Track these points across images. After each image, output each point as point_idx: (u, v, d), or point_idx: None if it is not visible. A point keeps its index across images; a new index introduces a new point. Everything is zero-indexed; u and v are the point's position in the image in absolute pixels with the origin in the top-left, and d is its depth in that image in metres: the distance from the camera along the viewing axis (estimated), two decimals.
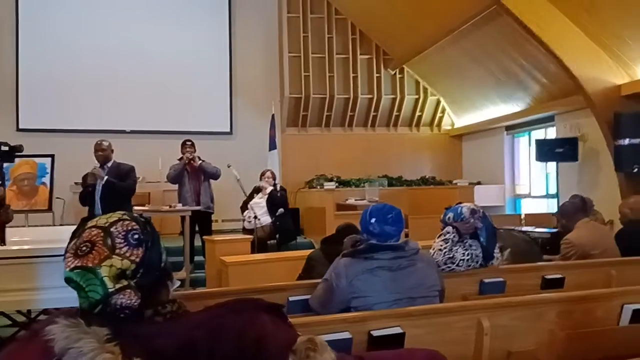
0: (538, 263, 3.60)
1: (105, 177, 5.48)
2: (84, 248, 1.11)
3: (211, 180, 6.93)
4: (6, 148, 2.62)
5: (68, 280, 1.09)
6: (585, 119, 7.32)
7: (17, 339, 1.12)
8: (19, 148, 2.67)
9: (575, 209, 4.27)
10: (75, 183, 6.80)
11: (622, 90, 6.43)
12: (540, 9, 6.34)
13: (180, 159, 6.87)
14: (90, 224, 1.17)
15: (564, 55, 6.39)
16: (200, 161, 6.78)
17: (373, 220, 2.49)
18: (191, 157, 6.76)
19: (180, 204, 6.65)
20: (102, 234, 1.13)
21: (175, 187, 7.03)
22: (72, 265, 1.10)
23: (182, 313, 1.15)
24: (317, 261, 3.71)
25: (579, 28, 6.37)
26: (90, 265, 1.09)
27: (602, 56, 6.44)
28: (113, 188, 5.52)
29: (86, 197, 5.64)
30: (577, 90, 6.68)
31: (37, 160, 6.32)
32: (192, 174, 6.82)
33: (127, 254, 1.12)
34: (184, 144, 6.91)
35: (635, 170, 6.27)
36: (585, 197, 5.81)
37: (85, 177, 5.68)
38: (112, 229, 1.14)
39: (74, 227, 1.21)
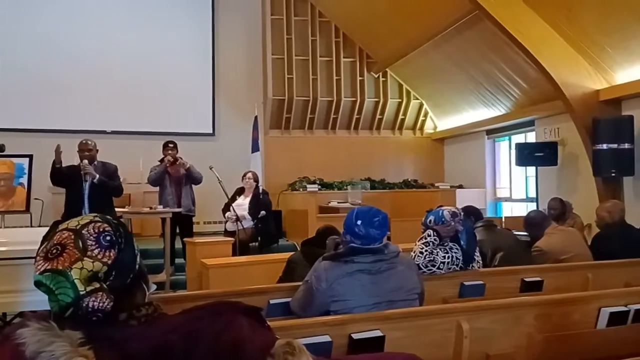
0: (518, 266, 3.63)
1: (97, 176, 5.39)
2: (54, 251, 1.09)
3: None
4: None
5: (38, 284, 1.07)
6: (564, 123, 7.43)
7: None
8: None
9: (541, 218, 4.40)
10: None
11: (601, 96, 6.54)
12: (521, 15, 6.43)
13: (161, 161, 6.78)
14: (61, 226, 1.15)
15: (544, 61, 6.48)
16: (189, 165, 6.65)
17: (359, 222, 2.47)
18: (172, 159, 6.68)
19: (161, 206, 6.58)
20: (73, 237, 1.11)
21: (156, 189, 6.94)
22: (42, 269, 1.08)
23: (158, 316, 1.14)
24: (298, 264, 3.70)
25: (559, 34, 6.47)
26: (60, 268, 1.07)
27: (581, 62, 6.54)
28: (105, 188, 5.46)
29: (58, 175, 5.45)
30: (557, 95, 6.77)
31: (14, 160, 6.20)
32: (174, 177, 6.72)
33: (99, 256, 1.10)
34: (166, 146, 6.81)
35: (613, 174, 6.37)
36: (565, 200, 5.93)
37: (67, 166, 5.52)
38: (83, 231, 1.13)
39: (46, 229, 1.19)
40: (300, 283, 2.69)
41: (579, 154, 7.24)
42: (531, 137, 8.67)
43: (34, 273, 1.08)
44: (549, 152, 7.49)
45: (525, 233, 6.59)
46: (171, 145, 6.79)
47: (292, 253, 4.27)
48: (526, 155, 7.59)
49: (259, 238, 6.64)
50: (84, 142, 5.60)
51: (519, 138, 9.08)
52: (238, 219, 6.23)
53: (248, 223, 6.46)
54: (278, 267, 4.11)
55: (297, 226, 8.52)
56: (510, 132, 9.23)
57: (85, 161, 5.42)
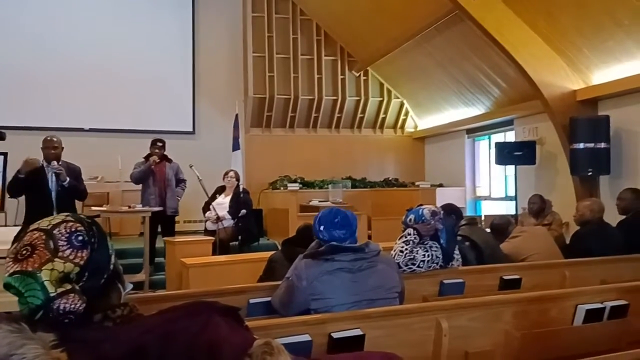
0: (497, 264, 3.67)
1: (68, 179, 5.15)
2: (24, 252, 1.06)
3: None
4: None
5: (7, 286, 1.04)
6: (543, 123, 7.52)
7: None
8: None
9: (506, 223, 4.58)
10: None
11: (578, 96, 6.64)
12: (501, 16, 6.49)
13: (146, 157, 6.67)
14: (32, 227, 1.13)
15: (522, 61, 6.55)
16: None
17: (322, 227, 2.53)
18: (159, 160, 6.57)
19: (141, 205, 6.50)
20: (44, 237, 1.09)
21: (136, 187, 6.86)
22: (12, 270, 1.05)
23: (134, 317, 1.12)
24: (279, 263, 3.69)
25: (538, 35, 6.55)
26: (30, 269, 1.04)
27: (559, 63, 6.63)
28: (72, 191, 5.26)
29: (19, 187, 5.02)
30: (535, 95, 6.86)
31: None
32: (159, 176, 6.63)
33: (71, 257, 1.08)
34: (154, 143, 6.69)
35: (590, 173, 6.48)
36: (545, 198, 6.04)
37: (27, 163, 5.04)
38: (54, 231, 1.10)
39: (17, 228, 1.15)
40: (279, 282, 2.68)
41: (557, 153, 7.34)
42: (510, 137, 8.76)
43: (4, 275, 1.05)
44: (527, 151, 7.58)
45: None
46: (160, 144, 6.68)
47: (273, 252, 4.26)
48: (505, 154, 7.66)
49: (240, 237, 6.61)
50: (49, 138, 5.26)
51: (498, 137, 9.17)
52: (218, 218, 6.19)
53: (228, 222, 6.42)
54: (259, 266, 4.09)
55: (278, 225, 8.50)
56: (490, 131, 9.32)
57: (55, 162, 5.11)
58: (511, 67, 7.10)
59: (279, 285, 2.68)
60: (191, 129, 9.81)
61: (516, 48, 6.54)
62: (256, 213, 8.00)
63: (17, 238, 1.11)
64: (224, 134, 9.37)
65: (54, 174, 5.14)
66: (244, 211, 6.62)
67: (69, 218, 1.14)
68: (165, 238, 6.15)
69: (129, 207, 6.50)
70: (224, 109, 9.69)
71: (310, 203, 8.75)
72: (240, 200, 6.65)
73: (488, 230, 4.75)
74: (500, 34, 6.51)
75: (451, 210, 3.80)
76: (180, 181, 6.83)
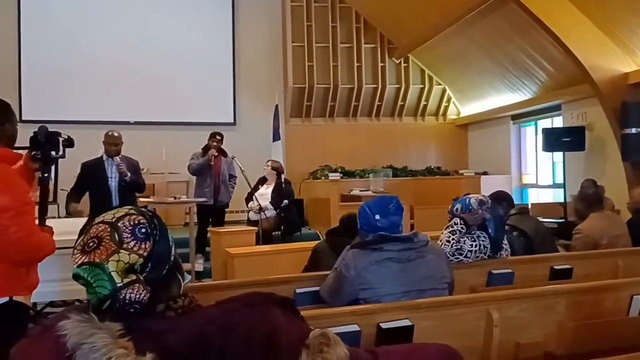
0: (547, 254, 3.58)
1: (129, 175, 5.37)
2: (91, 244, 1.10)
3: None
4: (65, 137, 2.64)
5: (76, 277, 1.08)
6: (592, 107, 7.28)
7: (29, 335, 1.12)
8: (71, 141, 2.71)
9: (595, 198, 4.22)
10: (75, 177, 6.78)
11: (630, 79, 6.38)
12: None
13: (203, 149, 6.73)
14: (97, 220, 1.16)
15: (571, 44, 6.34)
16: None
17: (377, 216, 2.47)
18: (216, 154, 6.62)
19: (185, 196, 6.63)
20: (109, 229, 1.12)
21: (181, 178, 6.98)
22: (80, 262, 1.09)
23: (194, 307, 1.14)
24: (323, 253, 3.71)
25: (586, 16, 6.31)
26: (97, 260, 1.08)
27: (609, 44, 6.38)
28: (135, 184, 5.47)
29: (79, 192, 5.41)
30: (584, 79, 6.64)
31: None
32: (214, 170, 6.66)
33: (135, 248, 1.11)
34: (213, 136, 6.71)
35: None
36: (598, 183, 5.83)
37: (86, 166, 5.44)
38: (119, 224, 1.13)
39: (79, 219, 1.20)
40: (326, 272, 2.70)
41: (607, 138, 7.10)
42: (558, 122, 8.51)
43: (73, 266, 1.09)
44: (576, 137, 7.35)
45: (550, 220, 6.55)
46: (218, 137, 6.71)
47: (316, 242, 4.29)
48: (553, 140, 7.45)
49: (282, 227, 6.67)
50: (111, 134, 5.46)
51: (545, 123, 8.91)
52: (261, 209, 6.26)
53: (271, 212, 6.49)
54: (301, 255, 4.13)
55: (320, 215, 8.54)
56: (537, 117, 9.07)
57: (118, 159, 5.35)
58: (558, 50, 6.88)
59: (324, 275, 2.70)
60: (232, 121, 9.91)
61: (564, 30, 6.32)
62: (298, 203, 8.05)
63: (84, 231, 1.15)
64: (265, 125, 9.43)
65: (114, 167, 5.36)
66: (286, 201, 6.67)
67: (132, 211, 1.18)
68: (210, 228, 6.25)
69: (175, 198, 6.64)
70: (264, 99, 9.75)
71: (352, 192, 8.74)
72: (282, 191, 6.70)
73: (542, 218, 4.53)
74: (547, 16, 6.31)
75: (502, 198, 3.73)
76: (231, 177, 6.86)
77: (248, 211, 6.75)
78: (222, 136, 6.76)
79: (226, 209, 6.97)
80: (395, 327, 2.09)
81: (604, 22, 6.22)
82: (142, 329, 1.05)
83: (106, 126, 6.67)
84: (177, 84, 9.44)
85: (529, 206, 7.93)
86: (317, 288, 2.72)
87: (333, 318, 2.06)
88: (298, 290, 2.79)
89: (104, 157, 5.45)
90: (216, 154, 6.63)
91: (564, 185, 7.88)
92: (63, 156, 2.66)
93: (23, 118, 8.72)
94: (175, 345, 1.04)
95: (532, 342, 2.32)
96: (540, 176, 9.31)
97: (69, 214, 5.38)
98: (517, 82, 8.77)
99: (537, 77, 8.33)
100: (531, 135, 9.55)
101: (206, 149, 6.70)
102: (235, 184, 6.95)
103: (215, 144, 6.65)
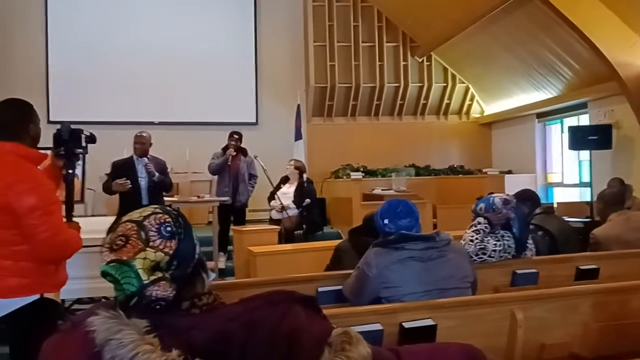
0: (572, 254, 3.52)
1: (157, 175, 5.50)
2: (119, 242, 1.13)
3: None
4: (88, 133, 2.72)
5: (104, 274, 1.11)
6: (619, 105, 7.16)
7: (59, 330, 1.15)
8: (93, 138, 2.78)
9: (613, 199, 4.12)
10: (106, 174, 6.92)
11: None
12: None
13: (223, 149, 6.77)
14: (124, 218, 1.19)
15: (597, 40, 6.23)
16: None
17: (386, 221, 2.52)
18: (235, 153, 6.66)
19: (209, 195, 6.70)
20: (136, 228, 1.15)
21: (204, 177, 7.05)
22: (108, 259, 1.12)
23: (218, 305, 1.16)
24: (346, 252, 3.71)
25: (613, 11, 6.20)
26: (125, 258, 1.10)
27: (637, 41, 6.24)
28: (163, 184, 5.60)
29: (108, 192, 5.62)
30: (611, 76, 6.52)
31: None
32: (233, 169, 6.69)
33: (161, 246, 1.14)
34: (231, 136, 6.75)
35: None
36: (626, 182, 5.70)
37: (116, 165, 5.63)
38: (145, 223, 1.16)
39: (106, 218, 1.23)
40: (349, 271, 2.70)
41: (635, 136, 6.98)
42: (584, 120, 8.37)
43: (101, 264, 1.12)
44: (602, 135, 7.22)
45: (576, 219, 6.43)
46: (236, 136, 6.73)
47: (338, 241, 4.29)
48: (579, 138, 7.33)
49: (304, 226, 6.69)
50: (139, 134, 5.65)
51: (571, 121, 8.77)
52: (283, 208, 6.29)
53: (293, 211, 6.51)
54: (324, 254, 4.13)
55: (341, 214, 8.53)
56: (562, 115, 8.93)
57: (146, 160, 5.50)
58: (584, 46, 6.76)
59: (347, 274, 2.71)
60: (254, 120, 9.97)
61: (589, 26, 6.22)
62: (320, 202, 8.07)
63: (111, 229, 1.18)
64: (287, 124, 9.47)
65: (144, 167, 5.51)
66: (308, 200, 6.69)
67: (158, 210, 1.20)
68: (233, 227, 6.30)
69: (198, 197, 6.71)
70: (286, 99, 9.78)
71: (374, 192, 8.72)
72: (304, 190, 6.73)
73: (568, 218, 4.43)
74: (572, 12, 6.21)
75: (527, 197, 3.67)
76: (251, 177, 6.85)
77: (270, 210, 6.79)
78: (240, 135, 6.78)
79: (246, 208, 7.00)
80: (418, 327, 2.08)
81: (631, 17, 6.10)
82: (168, 325, 1.07)
83: (131, 126, 6.79)
84: (200, 84, 9.53)
85: (555, 205, 7.83)
86: (339, 287, 2.73)
87: (355, 317, 2.07)
88: (320, 289, 2.80)
89: (134, 157, 5.62)
90: (234, 153, 6.65)
91: (590, 184, 7.75)
92: (86, 152, 2.72)
93: (50, 119, 8.92)
94: (200, 342, 1.06)
95: (557, 343, 2.29)
96: (566, 175, 9.16)
97: (111, 193, 5.57)
98: (542, 79, 8.65)
99: (562, 75, 8.20)
100: (557, 134, 9.41)
101: (226, 148, 6.75)
102: (255, 183, 6.96)
103: (233, 143, 6.68)
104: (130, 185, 5.37)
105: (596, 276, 3.27)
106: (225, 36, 9.82)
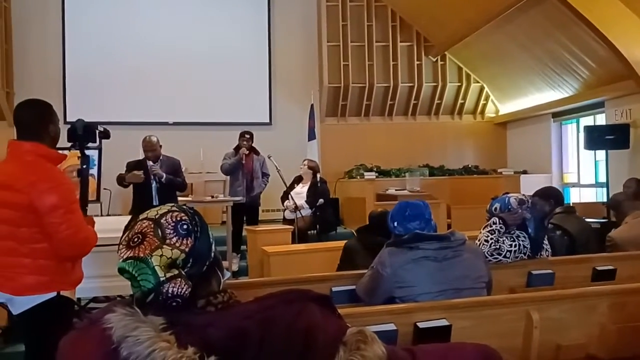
0: (589, 255, 3.48)
1: (165, 176, 5.59)
2: (136, 239, 1.14)
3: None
4: (101, 129, 2.76)
5: (121, 271, 1.12)
6: (637, 104, 7.08)
7: (76, 327, 1.16)
8: (107, 133, 2.83)
9: (626, 199, 4.09)
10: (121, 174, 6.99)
11: None
12: None
13: (235, 149, 6.81)
14: (141, 216, 1.20)
15: (614, 38, 6.17)
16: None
17: (395, 223, 2.53)
18: (247, 152, 6.68)
19: (222, 195, 6.73)
20: (152, 226, 1.16)
21: (218, 177, 7.07)
22: (125, 256, 1.13)
23: (233, 303, 1.16)
24: (355, 250, 3.71)
25: (631, 10, 6.12)
26: (141, 255, 1.11)
27: None
28: (174, 185, 5.68)
29: (122, 184, 5.73)
30: (629, 75, 6.45)
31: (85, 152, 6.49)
32: (246, 169, 6.73)
33: (177, 244, 1.14)
34: (242, 135, 6.80)
35: None
36: None
37: (130, 166, 5.71)
38: (162, 220, 1.17)
39: (121, 217, 1.24)
40: (361, 271, 2.70)
41: None
42: (601, 120, 8.27)
43: (118, 261, 1.13)
44: (620, 134, 7.13)
45: (592, 220, 6.35)
46: (247, 136, 6.78)
47: (347, 240, 4.28)
48: (595, 138, 7.25)
49: (317, 226, 6.69)
50: (147, 139, 5.72)
51: (587, 120, 8.68)
52: (297, 207, 6.30)
53: (306, 211, 6.52)
54: (336, 254, 4.13)
55: (355, 214, 8.52)
56: (578, 114, 8.84)
57: (150, 163, 5.61)
58: (601, 45, 6.68)
59: (360, 273, 2.70)
60: (268, 120, 10.00)
61: (607, 25, 6.15)
62: (333, 202, 8.07)
63: (128, 227, 1.19)
64: (300, 124, 9.48)
65: (153, 174, 5.63)
66: (321, 200, 6.70)
67: (174, 208, 1.21)
68: (246, 227, 6.33)
69: (212, 196, 6.75)
70: (300, 99, 9.80)
71: (387, 192, 8.69)
72: (317, 190, 6.73)
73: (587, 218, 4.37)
74: (589, 10, 6.15)
75: (550, 195, 3.61)
76: (263, 175, 6.91)
77: (284, 210, 6.81)
78: (251, 134, 6.82)
79: (259, 207, 7.02)
80: (433, 327, 2.07)
81: None
82: (184, 323, 1.08)
83: (146, 127, 6.85)
84: (214, 85, 9.57)
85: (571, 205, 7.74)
86: (353, 286, 2.73)
87: (369, 317, 2.06)
88: (334, 289, 2.80)
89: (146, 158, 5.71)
90: (247, 152, 6.68)
91: (607, 185, 7.66)
92: (100, 147, 2.76)
93: (67, 119, 9.03)
94: (216, 339, 1.06)
95: (573, 344, 2.27)
96: (582, 175, 9.07)
97: (124, 185, 5.70)
98: (558, 78, 8.56)
99: (578, 74, 8.11)
100: (573, 133, 9.32)
101: (237, 148, 6.78)
102: (267, 181, 6.99)
103: (245, 142, 6.71)
104: (144, 177, 5.50)
105: (613, 277, 3.23)
106: (238, 36, 9.85)
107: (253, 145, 6.85)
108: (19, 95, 8.77)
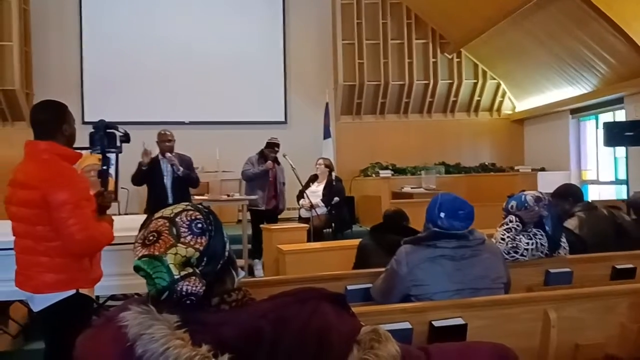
0: (608, 253, 3.42)
1: (182, 169, 5.60)
2: (151, 237, 1.15)
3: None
4: (122, 132, 2.80)
5: (137, 269, 1.13)
6: None
7: (92, 325, 1.17)
8: (127, 136, 2.88)
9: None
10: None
11: None
12: None
13: (259, 154, 6.66)
14: (156, 215, 1.21)
15: (634, 34, 6.08)
16: (285, 155, 6.51)
17: (442, 215, 2.37)
18: (272, 166, 6.54)
19: (238, 194, 6.74)
20: (167, 224, 1.17)
21: (234, 176, 7.05)
22: (140, 254, 1.14)
23: (247, 301, 1.17)
24: (370, 249, 3.69)
25: None
26: (157, 253, 1.12)
27: None
28: (185, 180, 5.68)
29: (142, 177, 5.65)
30: None
31: None
32: (272, 179, 6.59)
33: (192, 242, 1.15)
34: (271, 147, 6.59)
35: None
36: None
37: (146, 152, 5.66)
38: (177, 219, 1.18)
39: (138, 216, 1.25)
40: (376, 270, 2.69)
41: None
42: (620, 116, 8.15)
43: (134, 259, 1.14)
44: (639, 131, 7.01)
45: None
46: (277, 148, 6.62)
47: (361, 239, 4.26)
48: (615, 134, 7.13)
49: (333, 224, 6.69)
50: (163, 132, 5.77)
51: (606, 117, 8.56)
52: (312, 206, 6.30)
53: (322, 210, 6.52)
54: (352, 253, 4.11)
55: (370, 212, 8.50)
56: (597, 110, 8.71)
57: (169, 154, 5.63)
58: (620, 40, 6.58)
59: (375, 272, 2.69)
60: (283, 119, 10.02)
61: (626, 20, 6.06)
62: (349, 200, 8.05)
63: (144, 225, 1.20)
64: (315, 123, 9.49)
65: (169, 165, 5.65)
66: (337, 199, 6.69)
67: (189, 207, 1.22)
68: (262, 225, 6.34)
69: (228, 195, 6.77)
70: (315, 97, 9.80)
71: (403, 190, 8.66)
72: (333, 189, 6.73)
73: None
74: (609, 6, 6.06)
75: (569, 193, 3.54)
76: (282, 184, 6.80)
77: (299, 208, 6.81)
78: (279, 146, 6.68)
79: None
80: (448, 326, 2.06)
81: None
82: (198, 321, 1.08)
83: (162, 126, 6.86)
84: (229, 84, 9.62)
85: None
86: (368, 285, 2.72)
87: (384, 315, 2.06)
88: (349, 287, 2.79)
89: (159, 157, 5.73)
90: (272, 166, 6.55)
91: (626, 182, 7.54)
92: (120, 151, 2.78)
93: (85, 119, 9.13)
94: (230, 337, 1.07)
95: (592, 344, 2.25)
96: (602, 172, 8.94)
97: (139, 183, 5.77)
98: (576, 75, 8.44)
99: (597, 70, 7.99)
100: (591, 130, 9.19)
101: (261, 154, 6.66)
102: (284, 191, 6.88)
103: (273, 155, 6.59)
104: (153, 155, 5.56)
105: (633, 276, 3.18)
106: (253, 36, 9.89)
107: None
108: (38, 96, 8.90)
